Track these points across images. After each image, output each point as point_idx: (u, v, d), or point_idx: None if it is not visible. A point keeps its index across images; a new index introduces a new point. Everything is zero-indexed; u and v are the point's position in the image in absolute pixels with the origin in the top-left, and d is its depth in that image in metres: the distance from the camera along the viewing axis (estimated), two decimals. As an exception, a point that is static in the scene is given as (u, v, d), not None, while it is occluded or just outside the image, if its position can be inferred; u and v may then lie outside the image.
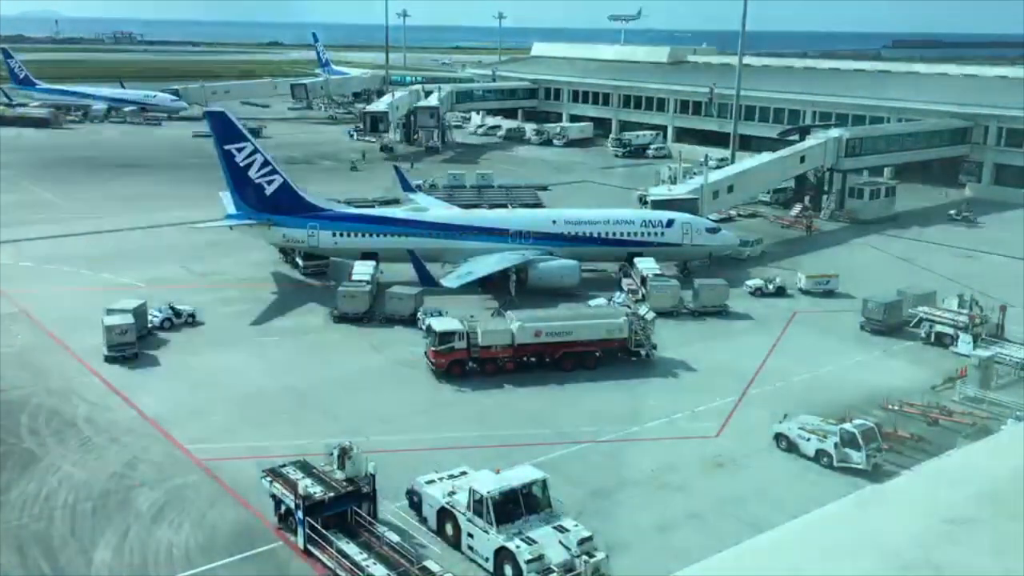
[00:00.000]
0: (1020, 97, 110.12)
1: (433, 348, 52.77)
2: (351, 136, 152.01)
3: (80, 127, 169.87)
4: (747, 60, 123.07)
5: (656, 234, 72.60)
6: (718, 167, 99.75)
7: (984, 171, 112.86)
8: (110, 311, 56.21)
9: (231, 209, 71.36)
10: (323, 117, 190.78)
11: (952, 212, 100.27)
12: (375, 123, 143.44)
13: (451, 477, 38.10)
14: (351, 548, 33.81)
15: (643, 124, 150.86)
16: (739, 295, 69.54)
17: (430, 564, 32.61)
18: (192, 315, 61.38)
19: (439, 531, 36.58)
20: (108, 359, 53.98)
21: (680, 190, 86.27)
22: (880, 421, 45.53)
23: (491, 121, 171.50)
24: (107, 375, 52.30)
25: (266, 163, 69.47)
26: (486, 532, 34.31)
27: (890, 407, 48.46)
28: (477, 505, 34.77)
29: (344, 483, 36.05)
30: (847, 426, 43.16)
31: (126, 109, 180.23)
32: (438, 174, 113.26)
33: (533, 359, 53.78)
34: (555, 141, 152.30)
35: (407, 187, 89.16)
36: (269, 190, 69.68)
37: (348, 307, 62.14)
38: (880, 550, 7.80)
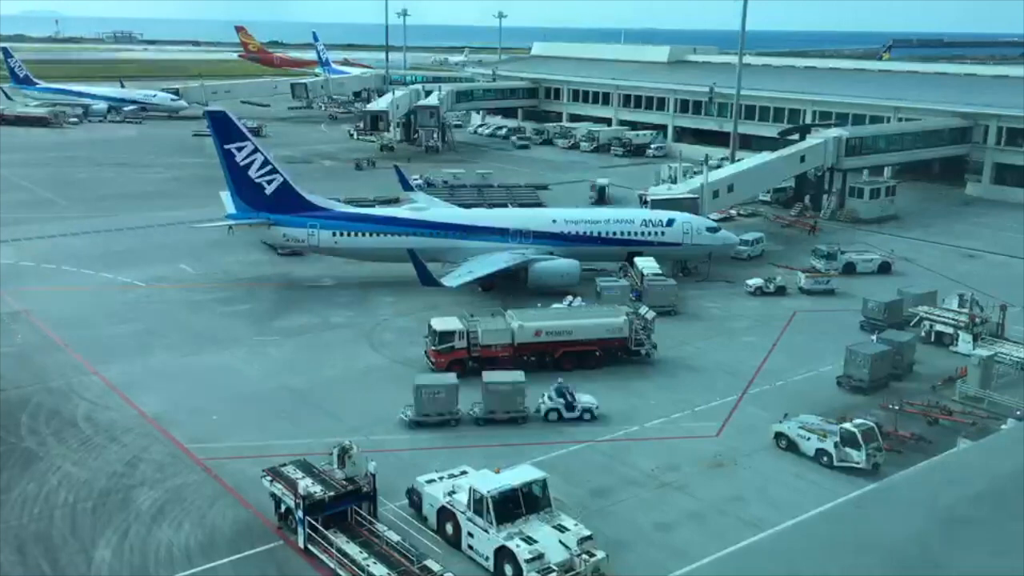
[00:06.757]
0: (1020, 97, 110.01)
1: (433, 347, 52.78)
2: (351, 135, 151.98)
3: (80, 127, 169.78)
4: (747, 59, 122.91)
5: (656, 234, 72.59)
6: (718, 166, 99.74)
7: (984, 171, 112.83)
8: None
9: (231, 209, 71.37)
10: (323, 116, 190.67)
11: None
12: (375, 122, 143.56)
13: (451, 476, 38.13)
14: (351, 547, 33.81)
15: (644, 123, 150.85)
16: (739, 295, 69.63)
17: (430, 563, 32.65)
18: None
19: (439, 530, 36.58)
20: None
21: (680, 189, 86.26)
22: (880, 421, 45.56)
23: (491, 120, 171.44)
24: (107, 375, 52.29)
25: (266, 162, 69.49)
26: (486, 531, 34.32)
27: (890, 407, 48.44)
28: (477, 504, 34.77)
29: (344, 482, 36.04)
30: (847, 425, 43.17)
31: (126, 109, 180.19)
32: (437, 173, 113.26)
33: (533, 359, 53.81)
34: (555, 141, 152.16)
35: (407, 186, 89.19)
36: (269, 189, 69.69)
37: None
38: (880, 550, 7.80)
